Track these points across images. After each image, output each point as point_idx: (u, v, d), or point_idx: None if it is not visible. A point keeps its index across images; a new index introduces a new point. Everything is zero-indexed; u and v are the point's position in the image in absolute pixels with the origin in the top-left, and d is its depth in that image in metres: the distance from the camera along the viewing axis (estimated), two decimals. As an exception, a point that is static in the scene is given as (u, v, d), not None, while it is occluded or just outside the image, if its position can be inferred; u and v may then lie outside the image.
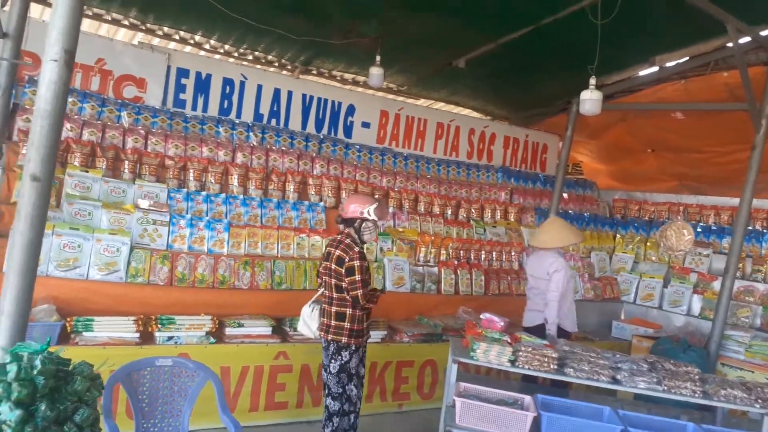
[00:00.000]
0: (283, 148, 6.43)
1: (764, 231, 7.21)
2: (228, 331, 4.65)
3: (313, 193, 6.18)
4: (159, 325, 4.37)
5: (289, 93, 6.84)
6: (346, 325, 4.02)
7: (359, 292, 3.95)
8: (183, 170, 5.58)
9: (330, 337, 4.05)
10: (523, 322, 5.31)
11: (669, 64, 7.00)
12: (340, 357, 4.03)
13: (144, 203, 4.98)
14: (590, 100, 5.60)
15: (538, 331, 4.98)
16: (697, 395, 3.84)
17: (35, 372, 1.95)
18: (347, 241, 4.09)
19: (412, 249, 6.22)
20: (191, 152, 5.75)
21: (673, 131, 7.83)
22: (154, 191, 5.18)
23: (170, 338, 4.40)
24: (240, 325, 4.69)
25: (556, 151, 8.93)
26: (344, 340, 4.01)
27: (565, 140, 7.72)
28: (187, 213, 5.22)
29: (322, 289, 4.20)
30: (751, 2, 5.43)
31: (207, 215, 5.32)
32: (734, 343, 5.77)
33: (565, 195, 8.35)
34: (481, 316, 4.43)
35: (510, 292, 6.62)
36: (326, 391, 4.13)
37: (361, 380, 4.20)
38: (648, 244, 7.72)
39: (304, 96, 6.94)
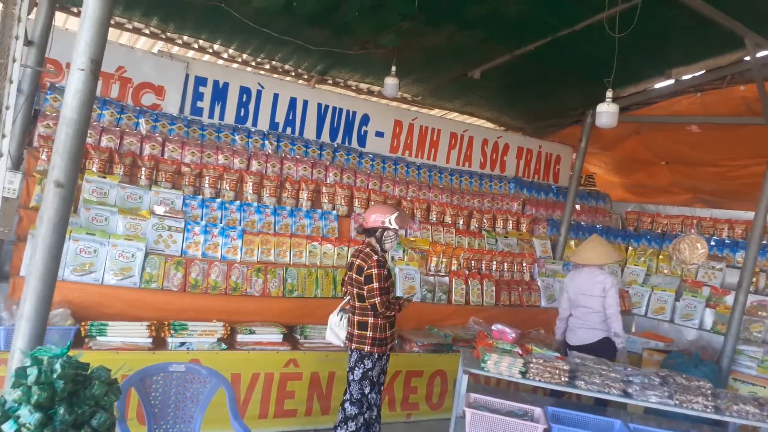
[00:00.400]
0: (298, 157, 6.49)
1: (779, 246, 7.15)
2: (239, 337, 4.69)
3: (326, 201, 6.23)
4: (171, 331, 4.42)
5: (305, 102, 6.91)
6: (368, 333, 4.10)
7: (377, 300, 4.02)
8: (198, 177, 5.65)
9: (353, 345, 4.15)
10: (573, 341, 5.17)
11: (685, 77, 7.01)
12: (362, 365, 4.12)
13: (159, 209, 5.05)
14: (607, 112, 5.60)
15: (599, 346, 4.94)
16: (709, 410, 3.82)
17: (55, 376, 1.99)
18: (367, 250, 4.19)
19: (423, 258, 6.24)
20: (207, 159, 5.83)
21: (687, 144, 7.81)
22: (170, 198, 5.26)
23: (182, 344, 4.45)
24: (251, 332, 4.73)
25: (570, 163, 8.92)
26: (367, 348, 4.10)
27: (579, 152, 7.74)
28: (201, 220, 5.29)
29: (348, 298, 4.32)
30: None
31: (221, 222, 5.38)
32: (746, 358, 5.72)
33: (577, 206, 8.33)
34: (493, 327, 4.44)
35: (521, 303, 6.61)
36: (348, 397, 4.19)
37: (381, 387, 4.27)
38: (660, 257, 7.68)
39: (319, 105, 7.01)
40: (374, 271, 4.02)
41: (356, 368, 4.13)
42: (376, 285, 4.02)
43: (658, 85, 7.35)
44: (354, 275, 4.15)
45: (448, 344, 5.50)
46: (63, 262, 4.31)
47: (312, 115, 6.95)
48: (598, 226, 8.27)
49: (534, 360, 3.97)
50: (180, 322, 4.49)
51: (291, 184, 6.09)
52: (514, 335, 4.34)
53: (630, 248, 8.16)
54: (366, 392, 4.14)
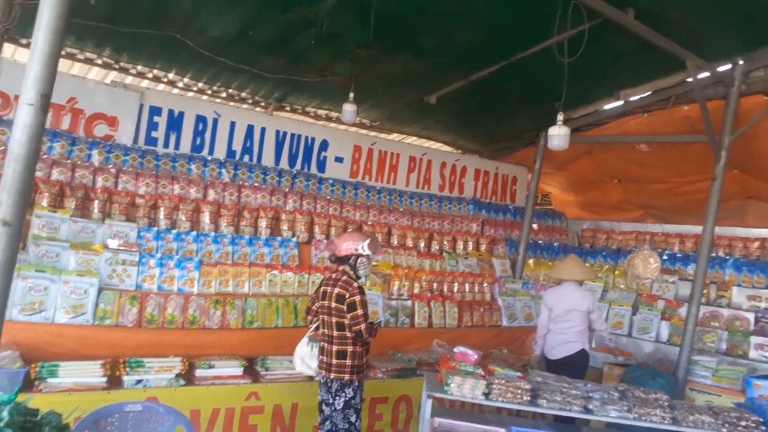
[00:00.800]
0: (256, 184, 6.44)
1: (727, 258, 7.42)
2: (198, 372, 4.57)
3: (286, 228, 6.19)
4: (127, 369, 4.28)
5: (263, 129, 6.90)
6: (348, 362, 4.15)
7: (362, 326, 4.09)
8: (153, 209, 5.55)
9: (332, 375, 4.16)
10: (555, 355, 5.61)
11: (633, 99, 7.29)
12: (344, 394, 4.15)
13: (113, 243, 4.93)
14: (558, 135, 5.78)
15: (579, 356, 5.53)
16: (666, 422, 3.91)
17: (2, 424, 1.91)
18: (344, 278, 4.23)
19: (385, 283, 6.25)
20: (162, 190, 5.73)
21: (637, 163, 8.08)
22: (124, 231, 5.14)
23: (139, 381, 4.31)
24: (210, 366, 4.63)
25: (526, 183, 9.12)
26: (347, 377, 4.14)
27: (534, 172, 7.94)
28: (157, 252, 5.17)
29: (314, 327, 4.35)
30: (708, 40, 5.73)
31: (177, 254, 5.27)
32: (701, 368, 5.88)
33: (534, 226, 8.50)
34: (455, 350, 4.46)
35: (483, 324, 6.67)
36: (330, 427, 4.17)
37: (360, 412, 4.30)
38: (616, 272, 7.88)
39: (277, 132, 7.00)
40: (357, 298, 4.10)
41: (337, 398, 4.15)
42: (360, 312, 4.09)
43: (607, 107, 7.63)
44: (333, 304, 4.17)
45: (412, 368, 5.49)
46: (11, 301, 4.14)
47: (270, 142, 6.93)
48: (555, 245, 8.46)
49: (497, 381, 4.01)
50: (136, 358, 4.36)
51: (249, 212, 6.04)
52: (476, 357, 4.37)
53: (587, 265, 8.33)
54: (353, 420, 4.16)
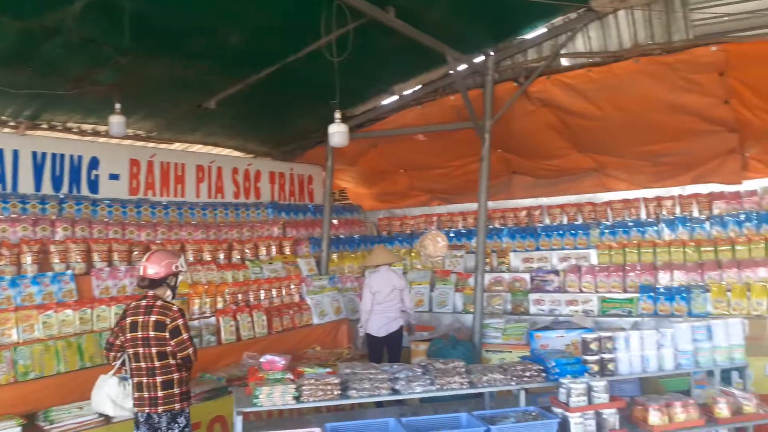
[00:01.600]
0: (14, 216, 5.58)
1: (502, 228, 8.35)
2: (-42, 447, 3.84)
3: (57, 261, 5.45)
4: None
5: (15, 152, 5.97)
6: (176, 390, 3.89)
7: (190, 350, 3.91)
8: None
9: (161, 409, 3.82)
10: (382, 332, 6.20)
11: (406, 93, 7.82)
12: (176, 425, 3.87)
13: None
14: (338, 132, 5.95)
15: (400, 332, 6.31)
16: (465, 386, 4.24)
17: None
18: (159, 303, 3.91)
19: (184, 303, 5.85)
20: None
21: (418, 152, 8.65)
22: None
23: None
24: (-26, 436, 3.91)
25: (322, 181, 9.26)
26: (177, 406, 3.87)
27: (327, 170, 8.12)
28: None
29: (120, 363, 3.96)
30: (464, 35, 6.34)
31: None
32: (493, 330, 6.54)
33: (335, 221, 8.70)
34: (262, 359, 4.33)
35: (294, 326, 6.63)
36: None
37: None
38: (412, 254, 8.40)
39: (34, 154, 6.11)
40: (180, 322, 3.87)
41: (169, 431, 3.85)
42: (185, 336, 3.87)
43: (384, 102, 8.08)
44: (151, 333, 3.80)
45: (223, 387, 5.23)
46: None
47: (26, 165, 6.03)
48: (356, 237, 8.73)
49: (306, 382, 4.00)
50: None
51: (8, 248, 5.21)
52: (284, 362, 4.29)
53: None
54: None
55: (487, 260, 7.93)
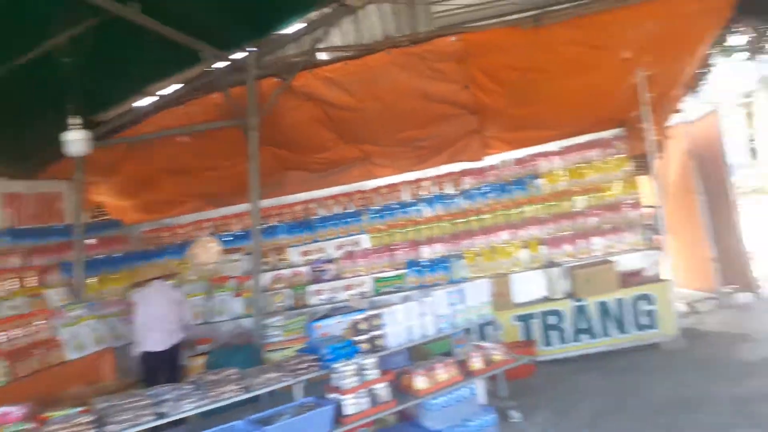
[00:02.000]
0: None
1: (278, 225, 8.25)
2: None
3: None
4: None
5: None
6: None
7: None
8: None
9: None
10: (160, 347, 5.72)
11: (165, 92, 7.25)
12: None
13: None
14: (75, 140, 5.33)
15: (177, 347, 5.88)
16: (240, 393, 4.08)
17: None
18: None
19: None
20: None
21: (184, 154, 8.11)
22: None
23: None
24: None
25: (72, 198, 8.19)
26: None
27: (77, 184, 7.20)
28: None
29: None
30: (220, 31, 6.04)
31: None
32: (273, 329, 6.41)
33: (93, 241, 7.78)
34: (-5, 415, 3.66)
35: (44, 367, 5.75)
36: None
37: None
38: (185, 266, 7.87)
39: None
40: None
41: None
42: None
43: (141, 103, 7.42)
44: None
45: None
46: None
47: None
48: (118, 255, 7.92)
49: (54, 427, 3.48)
50: None
51: None
52: (22, 412, 3.69)
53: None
54: None
55: (267, 259, 7.80)
